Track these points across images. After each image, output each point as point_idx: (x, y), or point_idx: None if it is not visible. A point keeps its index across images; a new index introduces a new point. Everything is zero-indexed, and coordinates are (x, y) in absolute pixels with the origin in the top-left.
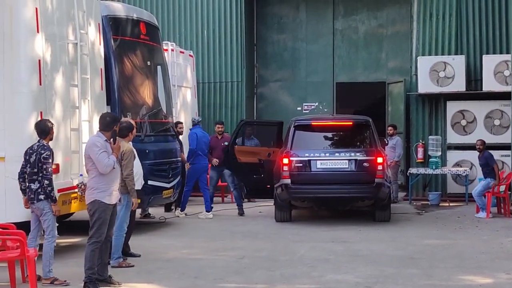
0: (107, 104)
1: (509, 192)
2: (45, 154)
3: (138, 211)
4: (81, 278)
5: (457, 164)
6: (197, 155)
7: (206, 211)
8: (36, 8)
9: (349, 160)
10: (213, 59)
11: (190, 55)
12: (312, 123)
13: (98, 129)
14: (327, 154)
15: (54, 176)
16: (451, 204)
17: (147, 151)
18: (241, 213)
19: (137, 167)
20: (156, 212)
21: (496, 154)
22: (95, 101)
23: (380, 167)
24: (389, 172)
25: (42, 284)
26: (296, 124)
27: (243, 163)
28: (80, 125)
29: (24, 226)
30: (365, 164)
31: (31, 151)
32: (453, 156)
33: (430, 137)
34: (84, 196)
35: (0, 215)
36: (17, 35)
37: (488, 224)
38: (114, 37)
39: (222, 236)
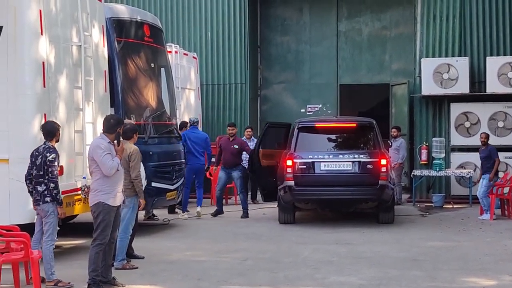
0: (111, 106)
1: None
2: (50, 157)
3: (141, 213)
4: (85, 280)
5: (461, 166)
6: (190, 155)
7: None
8: (40, 10)
9: (353, 162)
10: (217, 61)
11: (193, 57)
12: (316, 125)
13: (102, 131)
14: (331, 156)
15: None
16: (455, 206)
17: (150, 153)
18: (245, 216)
19: (141, 170)
20: (160, 214)
21: (500, 156)
22: (99, 103)
23: (383, 169)
24: (393, 174)
25: (46, 286)
26: (299, 126)
27: (265, 166)
28: (84, 127)
29: (28, 228)
30: (368, 166)
31: (37, 153)
32: (456, 158)
33: (433, 139)
34: (87, 199)
35: (4, 217)
36: (21, 37)
37: (492, 226)
38: (118, 39)
39: (225, 238)
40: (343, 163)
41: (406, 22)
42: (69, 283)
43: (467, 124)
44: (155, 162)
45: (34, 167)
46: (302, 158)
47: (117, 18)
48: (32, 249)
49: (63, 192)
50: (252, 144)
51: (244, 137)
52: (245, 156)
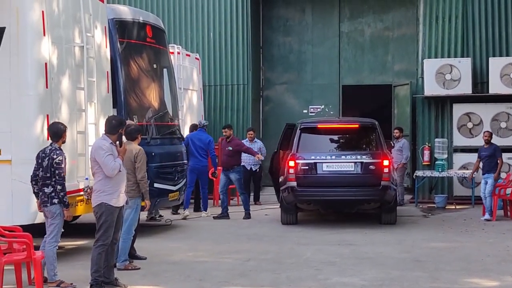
0: (113, 107)
1: None
2: (57, 159)
3: (144, 213)
4: (88, 281)
5: (463, 167)
6: (191, 156)
7: (204, 210)
8: (43, 11)
9: (355, 162)
10: (219, 62)
11: (196, 58)
12: (318, 126)
13: (104, 132)
14: (333, 157)
15: None
16: (457, 207)
17: (153, 154)
18: (247, 217)
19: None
20: (164, 214)
21: (503, 157)
22: (101, 104)
23: (386, 170)
24: (395, 175)
25: (48, 287)
26: (302, 126)
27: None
28: (87, 128)
29: (30, 228)
30: (371, 166)
31: (43, 154)
32: (459, 158)
33: (436, 139)
34: (90, 200)
35: (7, 218)
36: (24, 38)
37: (494, 227)
38: (120, 40)
39: (227, 238)
40: (346, 164)
41: (409, 23)
42: (71, 284)
43: (470, 125)
44: (158, 163)
45: (41, 169)
46: (304, 159)
47: (119, 19)
48: (40, 249)
49: (66, 193)
50: (255, 147)
51: (247, 139)
52: (246, 157)
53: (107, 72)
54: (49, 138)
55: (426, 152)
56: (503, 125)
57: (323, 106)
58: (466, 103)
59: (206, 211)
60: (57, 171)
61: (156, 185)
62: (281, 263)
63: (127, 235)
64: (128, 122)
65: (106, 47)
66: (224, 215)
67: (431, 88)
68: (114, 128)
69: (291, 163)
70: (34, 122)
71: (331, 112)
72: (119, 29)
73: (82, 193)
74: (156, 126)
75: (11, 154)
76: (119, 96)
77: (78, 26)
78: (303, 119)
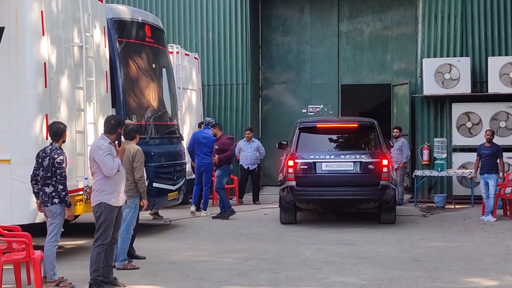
0: (112, 107)
1: None
2: (58, 158)
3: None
4: (87, 280)
5: (463, 166)
6: (196, 155)
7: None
8: (42, 11)
9: (354, 162)
10: (218, 62)
11: (195, 58)
12: (317, 125)
13: (103, 132)
14: (332, 156)
15: None
16: (456, 206)
17: (152, 153)
18: (218, 216)
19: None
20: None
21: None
22: (100, 103)
23: (385, 169)
24: (394, 174)
25: (47, 286)
26: (301, 126)
27: None
28: (86, 127)
29: (29, 228)
30: (370, 166)
31: (44, 154)
32: (458, 158)
33: (435, 139)
34: (89, 199)
35: (6, 218)
36: (23, 38)
37: (493, 227)
38: (119, 39)
39: (227, 238)
40: (345, 163)
41: (408, 22)
42: (70, 283)
43: (469, 124)
44: (157, 163)
45: (41, 168)
46: (303, 158)
47: (118, 19)
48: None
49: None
50: (252, 146)
51: (244, 139)
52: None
53: (106, 71)
54: (49, 137)
55: (425, 152)
56: (502, 124)
57: (322, 106)
58: (465, 102)
59: (205, 210)
60: (58, 171)
61: (155, 184)
62: (281, 263)
63: (125, 234)
64: (127, 121)
65: (105, 46)
66: (224, 213)
67: (430, 87)
68: (113, 127)
69: (290, 163)
70: (33, 122)
71: (330, 112)
72: (118, 28)
73: (81, 192)
74: (155, 126)
75: (10, 153)
76: (118, 96)
77: (77, 26)
78: (302, 118)
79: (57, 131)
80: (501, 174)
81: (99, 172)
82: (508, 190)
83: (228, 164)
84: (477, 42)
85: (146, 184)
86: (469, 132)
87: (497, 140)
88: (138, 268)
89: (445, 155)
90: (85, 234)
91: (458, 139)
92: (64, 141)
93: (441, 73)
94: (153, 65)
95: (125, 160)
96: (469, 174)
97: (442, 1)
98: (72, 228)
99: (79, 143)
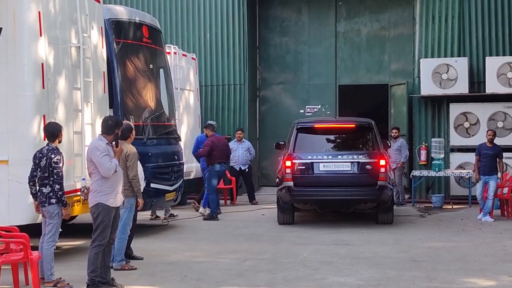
0: (110, 107)
1: None
2: (55, 158)
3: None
4: (84, 281)
5: (460, 167)
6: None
7: (202, 206)
8: (39, 12)
9: (352, 162)
10: (216, 62)
11: (192, 58)
12: (315, 126)
13: (100, 133)
14: (330, 157)
15: None
16: (454, 207)
17: (149, 154)
18: (208, 217)
19: (139, 171)
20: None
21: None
22: (97, 104)
23: (382, 170)
24: (392, 175)
25: (45, 287)
26: (298, 126)
27: None
28: (83, 128)
29: (27, 229)
30: (367, 166)
31: (40, 154)
32: (456, 158)
33: (433, 139)
34: (87, 200)
35: (4, 218)
36: (21, 39)
37: (491, 227)
38: (116, 40)
39: (224, 238)
40: (342, 163)
41: (405, 22)
42: (68, 284)
43: (467, 124)
44: (154, 163)
45: (39, 169)
46: (301, 159)
47: (115, 19)
48: (39, 250)
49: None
50: (243, 146)
51: (235, 140)
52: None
53: (104, 72)
54: (45, 138)
55: (423, 152)
56: (500, 124)
57: (319, 106)
58: (463, 102)
59: (204, 208)
60: (55, 171)
61: (152, 185)
62: (278, 263)
63: (122, 234)
64: (125, 122)
65: (103, 47)
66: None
67: (428, 87)
68: (110, 128)
69: (288, 163)
70: (31, 122)
71: (328, 112)
72: (116, 29)
73: (79, 193)
74: (153, 126)
75: (7, 154)
76: (116, 97)
77: (75, 26)
78: (300, 119)
79: (53, 132)
80: (499, 175)
81: (97, 173)
82: (505, 190)
83: (213, 164)
84: (474, 42)
85: (144, 184)
86: (466, 132)
87: (495, 140)
88: (135, 269)
89: (442, 155)
90: (83, 234)
91: (456, 139)
92: (60, 141)
93: (439, 73)
94: (151, 66)
95: (120, 160)
96: (467, 174)
97: (440, 1)
98: (69, 229)
99: (76, 143)
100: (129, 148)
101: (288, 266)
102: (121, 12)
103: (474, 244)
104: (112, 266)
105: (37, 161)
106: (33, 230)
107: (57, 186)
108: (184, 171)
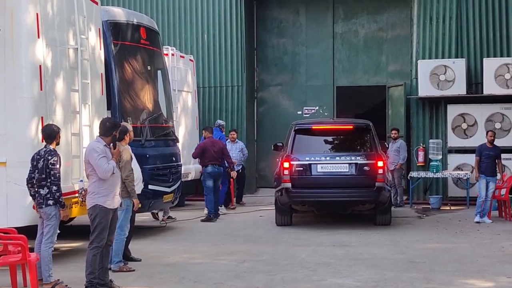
0: (108, 109)
1: (510, 196)
2: (52, 160)
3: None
4: (83, 283)
5: (458, 168)
6: None
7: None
8: (37, 14)
9: (350, 164)
10: (214, 64)
11: (190, 60)
12: (313, 127)
13: (98, 134)
14: (328, 158)
15: None
16: (452, 208)
17: (147, 155)
18: (206, 219)
19: (137, 172)
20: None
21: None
22: (95, 105)
23: (380, 171)
24: (390, 176)
25: None
26: (296, 128)
27: None
28: (81, 130)
29: (25, 230)
30: (365, 168)
31: (38, 156)
32: (454, 159)
33: (430, 140)
34: (84, 202)
35: (1, 220)
36: (18, 41)
37: (489, 228)
38: (114, 42)
39: (222, 240)
40: (340, 165)
41: (403, 23)
42: (66, 285)
43: (464, 125)
44: (152, 165)
45: (36, 171)
46: (299, 160)
47: (113, 21)
48: (35, 251)
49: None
50: (237, 147)
51: (228, 140)
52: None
53: (101, 74)
54: (43, 140)
55: (421, 153)
56: (497, 125)
57: (317, 107)
58: (461, 104)
59: (221, 206)
60: (52, 172)
61: (150, 186)
62: (276, 265)
63: (119, 236)
64: (123, 124)
65: (100, 49)
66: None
67: (425, 89)
68: (108, 130)
69: (286, 165)
70: (29, 124)
71: (326, 113)
72: (113, 31)
73: (76, 195)
74: (151, 128)
75: (5, 156)
76: (113, 98)
77: (72, 28)
78: (298, 120)
79: (50, 133)
80: (499, 176)
81: (94, 175)
82: (503, 191)
83: (206, 166)
84: (472, 43)
85: (142, 186)
86: (464, 134)
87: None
88: (133, 270)
89: (440, 157)
90: (81, 236)
91: (454, 141)
92: (58, 143)
93: (436, 75)
94: (148, 67)
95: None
96: (465, 176)
97: (437, 2)
98: (68, 230)
99: (74, 145)
100: (121, 149)
101: (286, 267)
102: (119, 13)
103: (472, 245)
104: (110, 268)
105: (35, 163)
106: (31, 232)
107: (54, 188)
108: (182, 172)
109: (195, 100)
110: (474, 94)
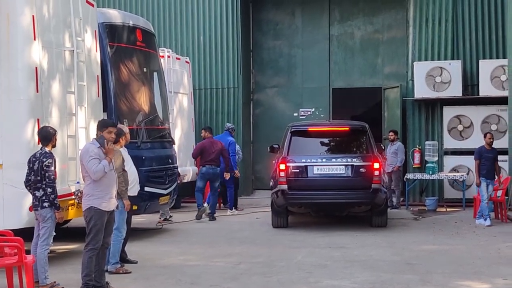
0: (104, 111)
1: (506, 197)
2: (47, 162)
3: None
4: (79, 285)
5: (454, 169)
6: None
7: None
8: (33, 16)
9: (346, 165)
10: (210, 65)
11: (186, 62)
12: (309, 129)
13: (96, 135)
14: (324, 160)
15: None
16: (448, 210)
17: (143, 157)
18: (210, 219)
19: (133, 174)
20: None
21: None
22: (91, 108)
23: (376, 173)
24: (386, 178)
25: None
26: (292, 130)
27: None
28: (77, 132)
29: (21, 233)
30: (361, 169)
31: (34, 158)
32: (449, 161)
33: (426, 142)
34: (81, 204)
35: None
36: (14, 43)
37: (485, 230)
38: (110, 44)
39: (219, 242)
40: (336, 166)
41: (399, 25)
42: (62, 287)
43: (460, 127)
44: (148, 167)
45: (32, 173)
46: (295, 162)
47: (109, 23)
48: (31, 253)
49: (57, 197)
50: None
51: None
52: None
53: (98, 76)
54: (39, 142)
55: (417, 155)
56: (493, 127)
57: (313, 109)
58: (457, 105)
59: (231, 209)
60: (47, 174)
61: (146, 189)
62: (272, 266)
63: (116, 237)
64: (119, 126)
65: (96, 51)
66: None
67: (421, 90)
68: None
69: (282, 166)
70: (25, 126)
71: (322, 115)
72: (109, 33)
73: (73, 197)
74: (147, 130)
75: (2, 158)
76: (110, 100)
77: (68, 30)
78: (294, 122)
79: (46, 136)
80: (497, 178)
81: (89, 177)
82: (499, 193)
83: (202, 166)
84: (468, 45)
85: (139, 187)
86: (460, 135)
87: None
88: (130, 272)
89: (436, 158)
90: (77, 238)
91: (449, 142)
92: (54, 146)
93: (432, 76)
94: (144, 69)
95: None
96: (461, 177)
97: (433, 4)
98: (64, 232)
99: (70, 147)
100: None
101: (282, 269)
102: (115, 15)
103: (468, 247)
104: (106, 269)
105: (31, 165)
106: (27, 234)
107: (50, 190)
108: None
109: (191, 102)
110: (470, 96)
